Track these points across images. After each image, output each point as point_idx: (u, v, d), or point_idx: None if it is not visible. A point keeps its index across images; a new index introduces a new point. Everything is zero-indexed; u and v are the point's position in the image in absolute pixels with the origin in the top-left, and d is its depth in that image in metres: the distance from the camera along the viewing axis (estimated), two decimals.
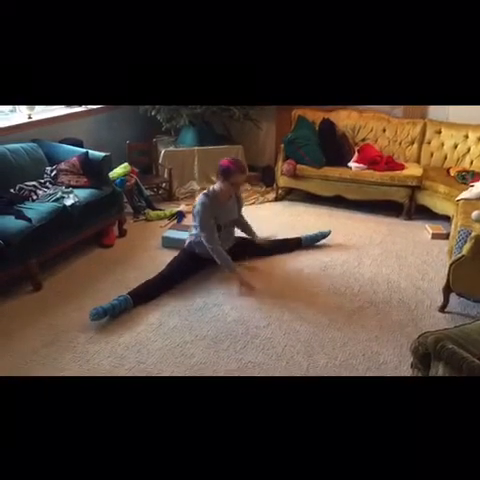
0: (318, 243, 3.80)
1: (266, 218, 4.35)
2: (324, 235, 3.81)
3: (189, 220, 4.22)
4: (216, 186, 3.20)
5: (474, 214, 3.13)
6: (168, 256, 3.29)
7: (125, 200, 4.11)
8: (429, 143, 4.61)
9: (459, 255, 2.75)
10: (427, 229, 4.11)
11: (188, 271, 3.24)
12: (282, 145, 4.71)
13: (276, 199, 4.84)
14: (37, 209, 3.08)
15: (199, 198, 3.15)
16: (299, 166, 4.54)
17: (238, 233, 3.55)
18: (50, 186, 3.44)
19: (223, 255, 3.09)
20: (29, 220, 2.92)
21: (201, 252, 3.18)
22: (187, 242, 3.30)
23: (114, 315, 2.75)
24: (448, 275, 2.81)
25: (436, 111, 4.66)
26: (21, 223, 2.89)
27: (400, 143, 4.70)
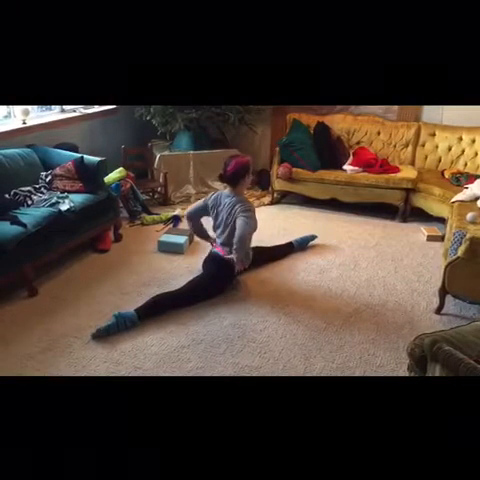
0: (313, 246, 3.80)
1: (262, 221, 4.26)
2: (313, 238, 3.85)
3: (185, 224, 4.23)
4: (238, 190, 3.05)
5: (469, 216, 3.15)
6: (164, 260, 3.28)
7: (121, 205, 4.10)
8: (423, 146, 4.64)
9: (454, 257, 2.77)
10: (422, 231, 4.12)
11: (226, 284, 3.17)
12: (277, 149, 4.72)
13: (272, 202, 4.85)
14: (32, 214, 3.07)
15: (246, 206, 3.00)
16: (294, 169, 4.55)
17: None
18: (45, 191, 3.43)
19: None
20: (24, 225, 2.91)
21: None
22: (228, 255, 3.04)
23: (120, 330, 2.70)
24: (444, 277, 2.82)
25: (430, 113, 4.68)
26: (16, 229, 2.88)
27: (394, 146, 4.73)
